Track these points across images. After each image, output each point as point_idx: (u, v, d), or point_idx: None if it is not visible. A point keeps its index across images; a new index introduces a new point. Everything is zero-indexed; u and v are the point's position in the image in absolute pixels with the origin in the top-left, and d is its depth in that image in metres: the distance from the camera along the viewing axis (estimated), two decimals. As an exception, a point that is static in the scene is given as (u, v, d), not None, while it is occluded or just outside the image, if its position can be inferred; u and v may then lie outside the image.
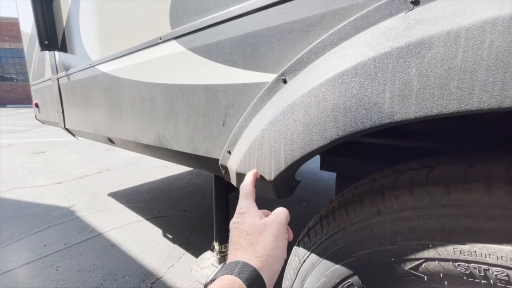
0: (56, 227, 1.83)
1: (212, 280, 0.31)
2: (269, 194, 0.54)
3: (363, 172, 0.77)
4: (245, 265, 0.32)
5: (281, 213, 0.41)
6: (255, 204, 0.43)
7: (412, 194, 0.42)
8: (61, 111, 1.70)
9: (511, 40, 0.26)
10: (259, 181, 0.52)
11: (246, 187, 0.45)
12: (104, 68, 1.11)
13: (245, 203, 0.42)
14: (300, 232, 0.62)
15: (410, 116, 0.32)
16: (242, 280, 0.30)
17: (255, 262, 0.32)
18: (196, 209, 2.10)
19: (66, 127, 1.71)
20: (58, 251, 1.56)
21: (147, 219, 1.94)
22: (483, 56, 0.27)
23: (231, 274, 0.30)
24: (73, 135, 1.84)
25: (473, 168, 0.39)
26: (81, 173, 3.02)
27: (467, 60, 0.28)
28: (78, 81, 1.38)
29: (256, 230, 0.37)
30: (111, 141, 1.28)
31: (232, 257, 0.35)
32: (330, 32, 0.42)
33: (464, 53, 0.28)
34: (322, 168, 0.90)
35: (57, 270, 1.39)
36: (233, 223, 0.40)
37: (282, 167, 0.47)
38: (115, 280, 1.31)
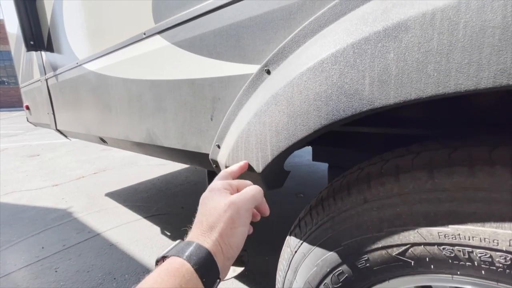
0: (53, 229, 1.83)
1: (164, 257, 0.30)
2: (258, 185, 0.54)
3: (355, 161, 0.77)
4: (198, 247, 0.30)
5: (248, 192, 0.37)
6: (230, 184, 0.40)
7: (397, 180, 0.42)
8: (52, 112, 1.67)
9: (485, 20, 0.25)
10: (249, 173, 0.52)
11: (231, 168, 0.44)
12: (91, 66, 1.09)
13: (222, 183, 0.39)
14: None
15: (390, 101, 0.32)
16: (191, 264, 0.28)
17: (209, 245, 0.31)
18: (194, 205, 2.09)
19: (58, 128, 1.69)
20: (57, 252, 1.56)
21: (145, 217, 1.94)
22: (458, 37, 0.27)
23: (181, 257, 0.29)
24: (66, 136, 1.82)
25: (457, 152, 0.39)
26: (77, 174, 3.00)
27: (443, 42, 0.28)
28: (66, 81, 1.36)
29: (217, 212, 0.34)
30: (103, 140, 1.27)
31: (190, 234, 0.33)
32: (310, 20, 0.41)
33: (440, 35, 0.28)
34: (314, 159, 0.90)
35: (56, 271, 1.39)
36: (202, 198, 0.37)
37: (269, 158, 0.46)
38: (115, 279, 1.32)
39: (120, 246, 1.59)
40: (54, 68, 1.46)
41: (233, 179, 0.43)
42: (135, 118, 0.90)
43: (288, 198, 2.10)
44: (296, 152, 1.59)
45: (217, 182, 0.40)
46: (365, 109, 0.33)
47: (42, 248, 1.61)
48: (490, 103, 0.53)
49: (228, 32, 0.54)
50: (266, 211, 0.40)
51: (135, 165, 3.27)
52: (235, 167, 0.47)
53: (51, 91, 1.61)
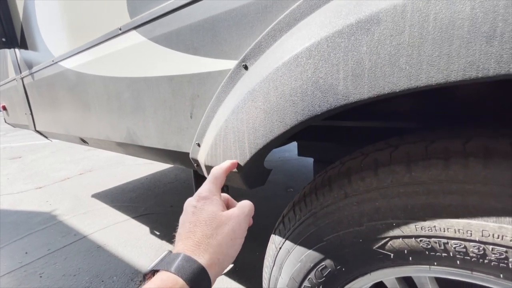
0: (37, 233, 1.77)
1: (153, 272, 0.28)
2: (239, 185, 0.53)
3: (339, 155, 0.77)
4: (191, 261, 0.29)
5: (245, 206, 0.38)
6: (219, 192, 0.40)
7: (376, 174, 0.42)
8: (30, 112, 1.60)
9: (455, 11, 0.25)
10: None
11: (217, 171, 0.41)
12: (68, 64, 1.05)
13: (210, 187, 0.39)
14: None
15: (364, 96, 0.31)
16: (184, 280, 0.27)
17: (205, 259, 0.30)
18: (183, 203, 2.08)
19: (37, 129, 1.62)
20: (41, 257, 1.51)
21: (133, 217, 1.90)
22: (428, 29, 0.26)
23: (173, 272, 0.27)
24: (46, 137, 1.75)
25: (433, 145, 0.39)
26: (62, 175, 2.91)
27: (414, 35, 0.27)
28: (43, 80, 1.30)
29: (216, 223, 0.34)
30: (83, 141, 1.23)
31: (180, 245, 0.32)
32: (286, 13, 0.40)
33: (411, 28, 0.27)
34: (299, 154, 0.90)
35: (41, 277, 1.35)
36: (191, 206, 0.36)
37: (248, 156, 0.45)
38: (102, 281, 1.29)
39: (107, 248, 1.56)
40: (30, 66, 1.39)
41: (222, 180, 0.42)
42: (114, 117, 0.87)
43: (278, 193, 2.11)
44: (286, 147, 1.59)
45: (205, 189, 0.39)
46: (340, 104, 0.33)
47: (26, 253, 1.56)
48: (470, 95, 0.54)
49: (205, 26, 0.52)
50: (251, 222, 0.41)
51: (122, 165, 3.20)
52: (224, 165, 0.44)
53: (27, 91, 1.54)
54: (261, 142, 0.42)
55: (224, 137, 0.48)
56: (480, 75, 0.24)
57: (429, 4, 0.26)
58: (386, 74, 0.29)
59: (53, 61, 1.14)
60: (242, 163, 0.47)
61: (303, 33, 0.36)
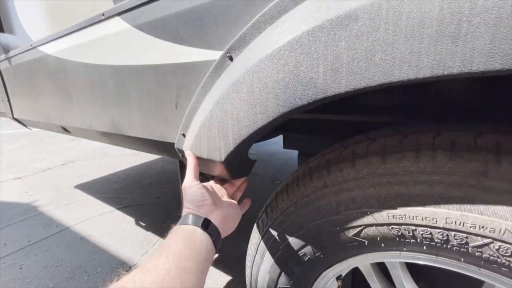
0: (16, 225, 1.72)
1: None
2: (223, 175, 0.54)
3: (323, 148, 0.79)
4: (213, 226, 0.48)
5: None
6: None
7: (353, 165, 0.44)
8: (7, 99, 1.53)
9: (425, 11, 0.26)
10: (212, 162, 0.51)
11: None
12: (47, 49, 1.00)
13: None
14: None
15: (341, 90, 0.33)
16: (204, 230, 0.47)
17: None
18: (169, 195, 2.07)
19: (15, 117, 1.55)
20: (21, 249, 1.47)
21: (118, 208, 1.88)
22: (401, 27, 0.28)
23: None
24: (25, 125, 1.68)
25: (407, 138, 0.41)
26: (43, 166, 2.81)
27: (388, 32, 0.28)
28: (20, 65, 1.24)
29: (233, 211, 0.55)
30: (65, 130, 1.19)
31: (204, 210, 0.50)
32: (270, 6, 0.40)
33: (386, 25, 0.28)
34: (284, 146, 0.91)
35: (21, 268, 1.32)
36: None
37: (231, 147, 0.46)
38: (86, 272, 1.28)
39: (91, 239, 1.54)
40: (6, 51, 1.32)
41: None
42: (98, 106, 0.85)
43: (265, 185, 2.13)
44: (273, 140, 1.61)
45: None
46: (319, 97, 0.34)
47: (5, 244, 1.51)
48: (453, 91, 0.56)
49: (190, 15, 0.52)
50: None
51: (107, 156, 3.13)
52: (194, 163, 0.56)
53: (4, 76, 1.46)
54: (244, 133, 0.43)
55: (208, 127, 0.48)
56: (445, 72, 0.26)
57: (402, 3, 0.27)
58: (362, 69, 0.31)
59: (31, 45, 1.09)
60: (225, 154, 0.47)
61: (286, 26, 0.37)
